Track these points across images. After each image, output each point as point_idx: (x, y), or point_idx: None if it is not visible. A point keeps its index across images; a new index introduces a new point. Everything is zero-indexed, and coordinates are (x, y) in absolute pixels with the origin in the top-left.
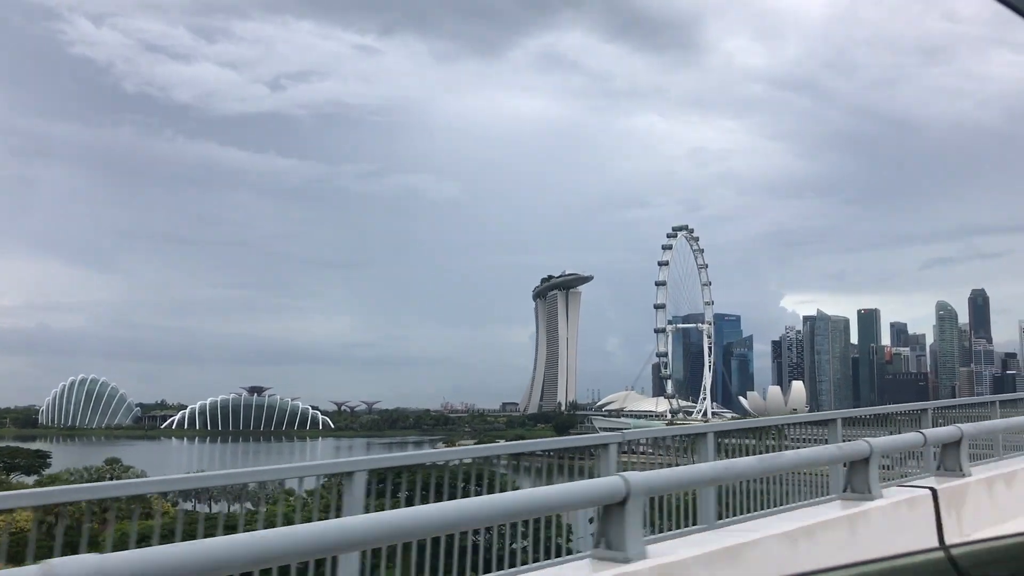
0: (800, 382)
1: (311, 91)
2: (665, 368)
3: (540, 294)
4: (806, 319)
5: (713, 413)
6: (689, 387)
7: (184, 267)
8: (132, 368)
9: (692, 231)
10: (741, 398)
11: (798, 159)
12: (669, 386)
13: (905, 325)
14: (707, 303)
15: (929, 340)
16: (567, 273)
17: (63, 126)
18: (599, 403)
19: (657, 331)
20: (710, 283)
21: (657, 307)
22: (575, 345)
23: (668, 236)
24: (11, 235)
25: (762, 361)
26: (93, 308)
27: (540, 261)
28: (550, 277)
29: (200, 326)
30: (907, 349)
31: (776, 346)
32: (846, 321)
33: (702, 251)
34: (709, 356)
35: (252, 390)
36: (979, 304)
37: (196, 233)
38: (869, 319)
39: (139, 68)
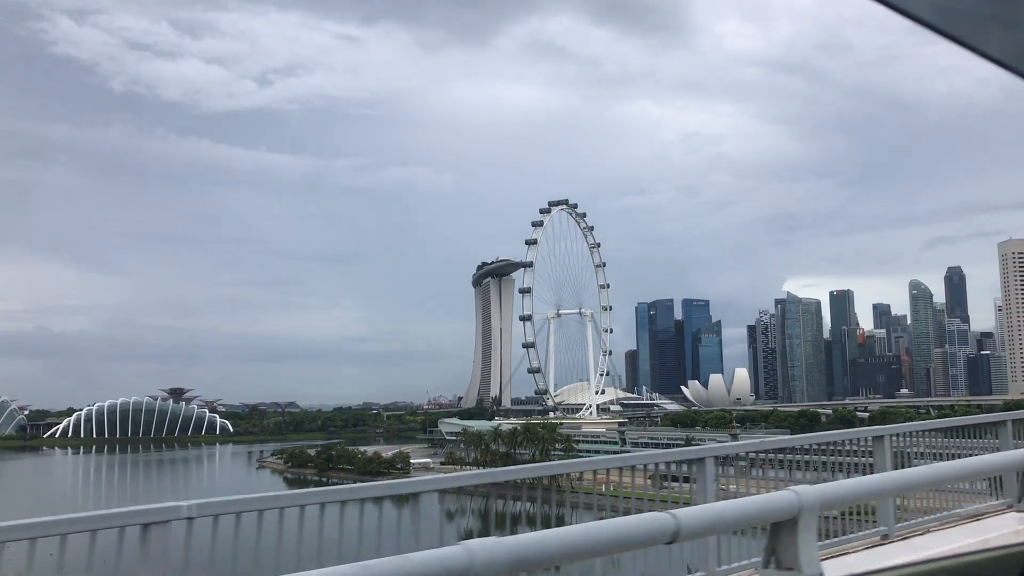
0: (744, 370)
1: (299, 85)
2: (535, 360)
3: (476, 281)
4: (777, 302)
5: (614, 403)
6: (658, 378)
7: (184, 266)
8: (135, 368)
9: (575, 207)
10: (683, 387)
11: (795, 142)
12: (540, 380)
13: (888, 307)
14: (601, 286)
15: (910, 321)
16: (500, 259)
17: (54, 127)
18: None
19: (523, 319)
20: (604, 264)
21: (523, 291)
22: (510, 335)
23: (541, 212)
24: (9, 238)
25: (740, 347)
26: (95, 310)
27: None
28: (484, 264)
29: (202, 326)
30: (882, 331)
31: (752, 331)
32: (817, 303)
33: (591, 229)
34: (603, 345)
35: (172, 392)
36: (955, 282)
37: (193, 231)
38: (842, 301)
39: (125, 67)
